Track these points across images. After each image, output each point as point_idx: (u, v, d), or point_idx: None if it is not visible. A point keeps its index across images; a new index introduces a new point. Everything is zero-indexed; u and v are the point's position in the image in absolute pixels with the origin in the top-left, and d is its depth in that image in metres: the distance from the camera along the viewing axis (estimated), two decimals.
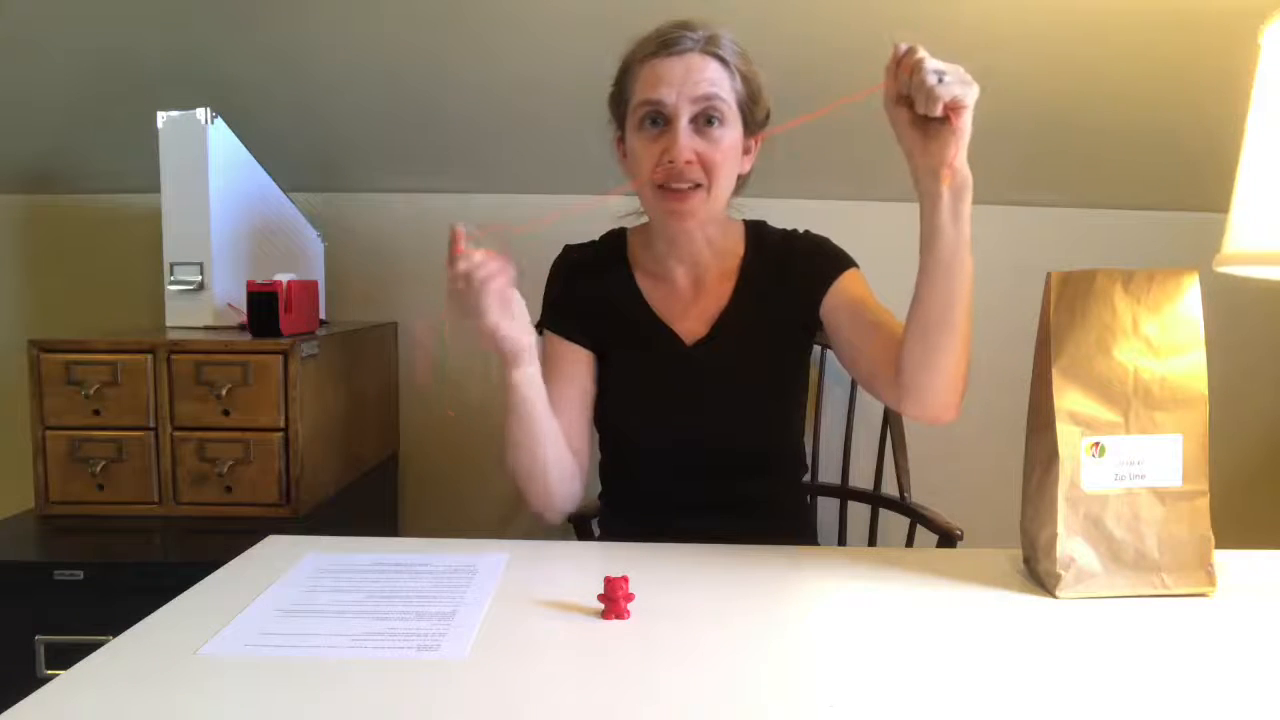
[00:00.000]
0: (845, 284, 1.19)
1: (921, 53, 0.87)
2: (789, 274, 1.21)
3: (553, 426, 1.11)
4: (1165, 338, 0.89)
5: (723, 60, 1.12)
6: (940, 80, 0.85)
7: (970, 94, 0.87)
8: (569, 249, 1.30)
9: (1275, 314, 1.83)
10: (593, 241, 1.30)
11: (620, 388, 1.24)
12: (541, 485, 1.13)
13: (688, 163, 1.10)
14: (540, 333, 1.24)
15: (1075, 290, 0.90)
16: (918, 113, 0.88)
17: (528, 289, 1.06)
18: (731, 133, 1.13)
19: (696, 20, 1.13)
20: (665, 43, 1.11)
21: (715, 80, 1.11)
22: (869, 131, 1.51)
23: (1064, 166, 1.80)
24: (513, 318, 1.03)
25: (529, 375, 1.07)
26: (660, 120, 1.11)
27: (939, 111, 0.86)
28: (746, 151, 1.18)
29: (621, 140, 1.20)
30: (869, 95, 0.92)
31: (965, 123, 0.88)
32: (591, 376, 1.25)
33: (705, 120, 1.11)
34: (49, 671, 1.14)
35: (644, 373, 1.23)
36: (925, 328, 1.00)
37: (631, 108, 1.14)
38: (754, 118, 1.16)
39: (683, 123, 1.10)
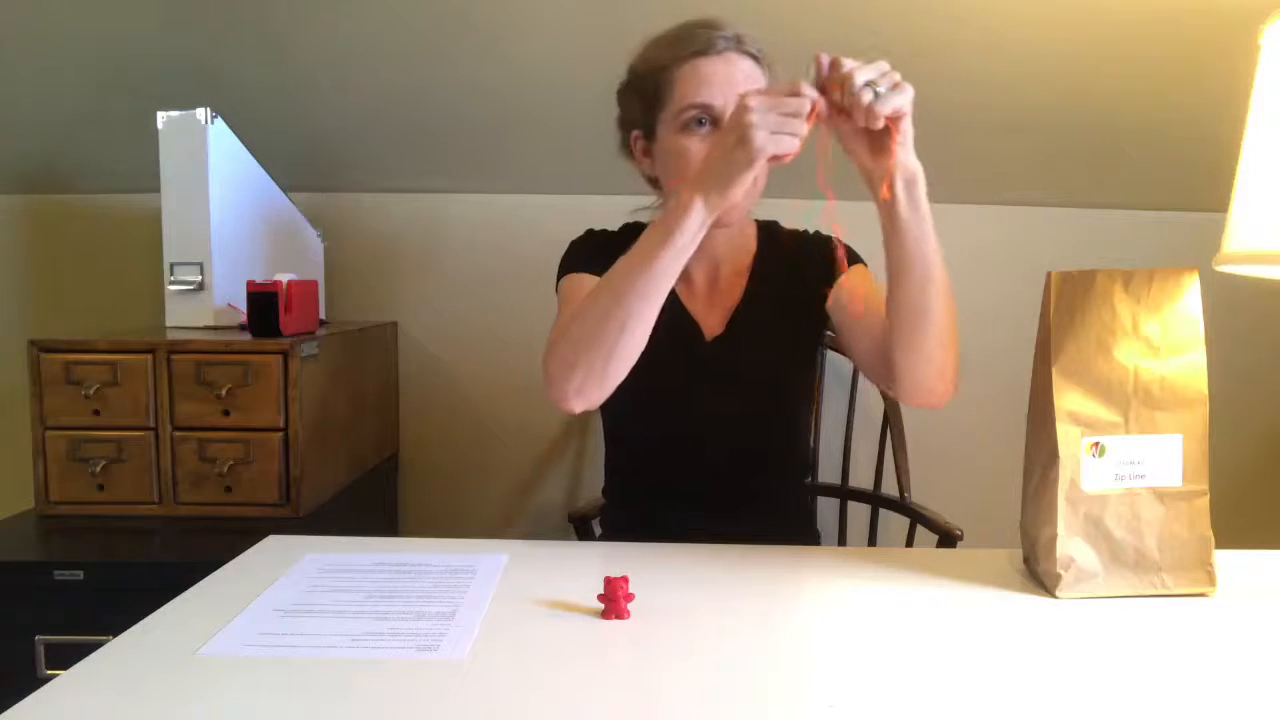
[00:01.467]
0: (851, 278, 1.20)
1: (848, 65, 0.86)
2: (799, 272, 1.22)
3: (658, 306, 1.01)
4: (1165, 337, 0.89)
5: (755, 58, 1.13)
6: (875, 93, 0.85)
7: (906, 99, 0.87)
8: (592, 232, 1.29)
9: (1275, 314, 1.83)
10: (614, 232, 1.28)
11: (634, 380, 1.24)
12: (607, 354, 1.01)
13: None
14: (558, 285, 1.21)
15: (1075, 290, 0.90)
16: (858, 126, 0.88)
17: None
18: None
19: (719, 20, 1.13)
20: (704, 44, 1.11)
21: (756, 79, 1.12)
22: None
23: (1065, 166, 1.80)
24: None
25: (696, 237, 0.97)
26: (707, 121, 1.11)
27: (881, 125, 0.87)
28: None
29: (640, 139, 1.20)
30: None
31: (907, 127, 0.88)
32: None
33: None
34: (49, 671, 1.14)
35: (660, 366, 1.22)
36: (904, 320, 1.01)
37: (673, 111, 1.13)
38: None
39: None
